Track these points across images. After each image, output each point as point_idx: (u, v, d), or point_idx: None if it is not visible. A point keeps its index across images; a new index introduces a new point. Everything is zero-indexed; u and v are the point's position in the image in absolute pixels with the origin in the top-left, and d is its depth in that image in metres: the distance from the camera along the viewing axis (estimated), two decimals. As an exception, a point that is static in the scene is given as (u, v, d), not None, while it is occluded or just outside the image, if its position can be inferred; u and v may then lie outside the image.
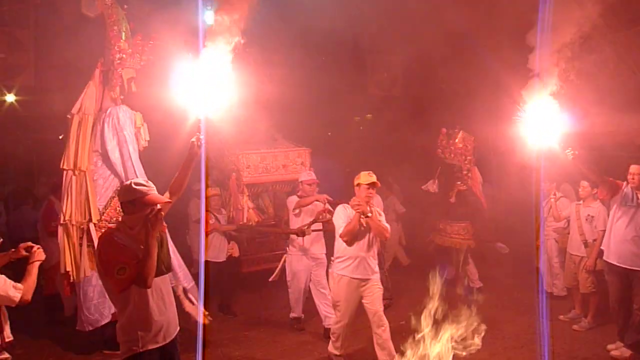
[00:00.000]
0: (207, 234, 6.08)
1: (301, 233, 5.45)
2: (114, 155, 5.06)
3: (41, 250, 3.15)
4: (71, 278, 4.92)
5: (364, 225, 4.50)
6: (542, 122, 4.15)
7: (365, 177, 4.52)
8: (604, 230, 5.39)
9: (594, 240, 5.55)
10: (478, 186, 7.04)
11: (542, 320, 5.20)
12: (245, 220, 6.69)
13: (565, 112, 4.06)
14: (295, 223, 5.63)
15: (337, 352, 4.78)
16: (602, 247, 5.17)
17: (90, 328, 5.00)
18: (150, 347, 2.84)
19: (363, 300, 4.59)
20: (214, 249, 6.13)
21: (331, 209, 5.36)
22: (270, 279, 5.91)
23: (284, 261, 5.80)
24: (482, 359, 4.80)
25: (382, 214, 4.78)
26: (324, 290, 5.52)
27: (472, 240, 6.93)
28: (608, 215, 5.40)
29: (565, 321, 5.77)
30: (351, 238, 4.48)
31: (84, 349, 5.13)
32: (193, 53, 3.40)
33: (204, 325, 4.86)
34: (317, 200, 5.53)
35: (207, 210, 6.19)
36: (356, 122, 14.62)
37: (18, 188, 8.22)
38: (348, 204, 4.61)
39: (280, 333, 5.68)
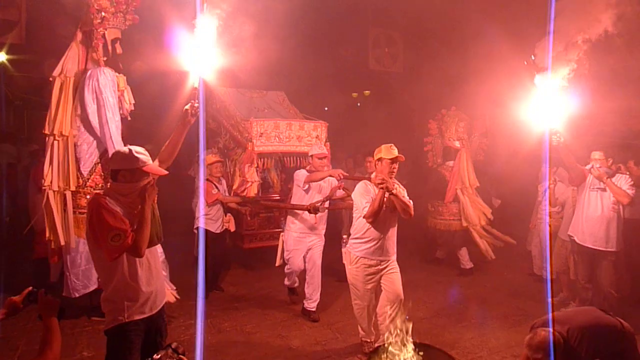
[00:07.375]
0: (210, 204, 5.77)
1: (314, 210, 4.99)
2: (94, 120, 4.81)
3: None
4: (53, 244, 4.81)
5: (387, 203, 4.04)
6: (551, 105, 4.04)
7: (388, 151, 4.04)
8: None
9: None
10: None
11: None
12: (246, 193, 6.27)
13: (573, 95, 3.97)
14: (301, 199, 5.19)
15: (367, 339, 4.41)
16: (570, 233, 5.35)
17: (77, 295, 4.93)
18: (137, 317, 2.76)
19: (382, 282, 4.22)
20: (209, 219, 5.81)
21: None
22: (276, 265, 5.62)
23: (283, 242, 5.46)
24: (470, 338, 4.86)
25: (404, 189, 4.23)
26: (315, 272, 5.31)
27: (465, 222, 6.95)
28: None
29: (553, 304, 5.80)
30: (376, 218, 4.02)
31: (71, 315, 5.06)
32: (189, 17, 3.20)
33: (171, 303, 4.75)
34: (330, 176, 5.06)
35: (207, 179, 5.89)
36: (353, 98, 14.42)
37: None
38: (369, 180, 4.22)
39: (271, 306, 5.66)
